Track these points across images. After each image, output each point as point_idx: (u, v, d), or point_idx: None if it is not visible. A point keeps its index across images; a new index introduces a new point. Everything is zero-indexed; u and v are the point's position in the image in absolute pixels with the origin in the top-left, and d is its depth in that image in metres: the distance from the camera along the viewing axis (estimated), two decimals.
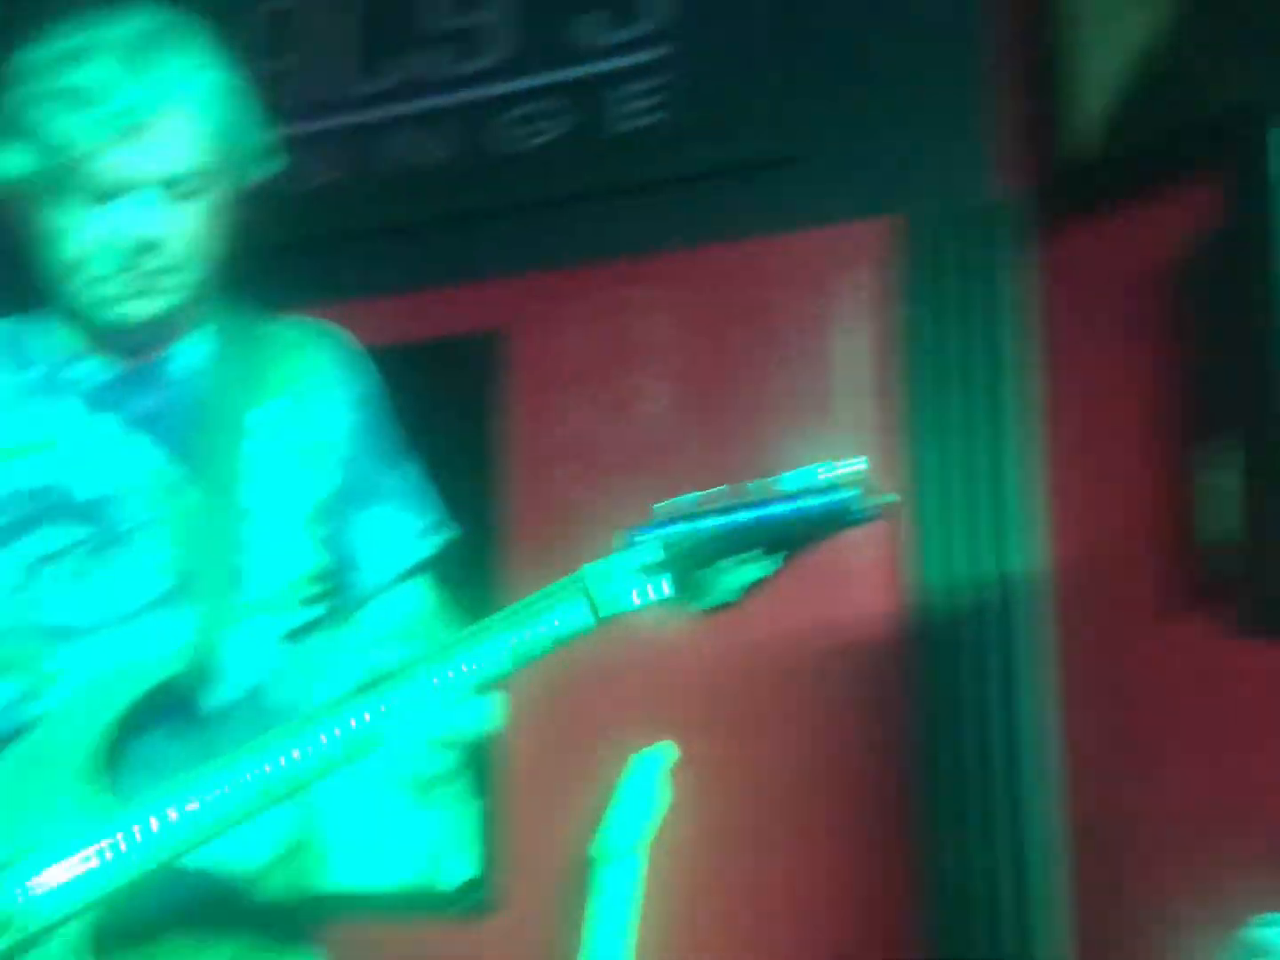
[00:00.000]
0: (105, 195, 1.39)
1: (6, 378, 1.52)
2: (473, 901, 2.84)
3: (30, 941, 1.29)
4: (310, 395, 1.57)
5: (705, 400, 2.83)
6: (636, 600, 1.27)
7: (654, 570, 1.26)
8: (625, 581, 1.27)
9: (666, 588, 1.26)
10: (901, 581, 2.60)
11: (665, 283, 2.90)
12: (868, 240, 2.71)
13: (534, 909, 2.75)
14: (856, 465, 1.22)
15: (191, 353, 1.56)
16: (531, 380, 2.97)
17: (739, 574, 1.24)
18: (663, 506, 1.27)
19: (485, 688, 1.27)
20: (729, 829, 2.65)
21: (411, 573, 1.61)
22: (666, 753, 2.55)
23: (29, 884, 1.29)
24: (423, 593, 1.63)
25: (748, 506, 1.25)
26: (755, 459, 2.70)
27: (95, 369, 1.53)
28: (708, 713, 2.69)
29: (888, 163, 2.74)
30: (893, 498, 1.22)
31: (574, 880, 2.56)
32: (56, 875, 1.29)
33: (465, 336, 3.03)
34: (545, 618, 1.27)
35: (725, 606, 1.25)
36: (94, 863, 1.28)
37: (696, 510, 1.26)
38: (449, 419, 2.80)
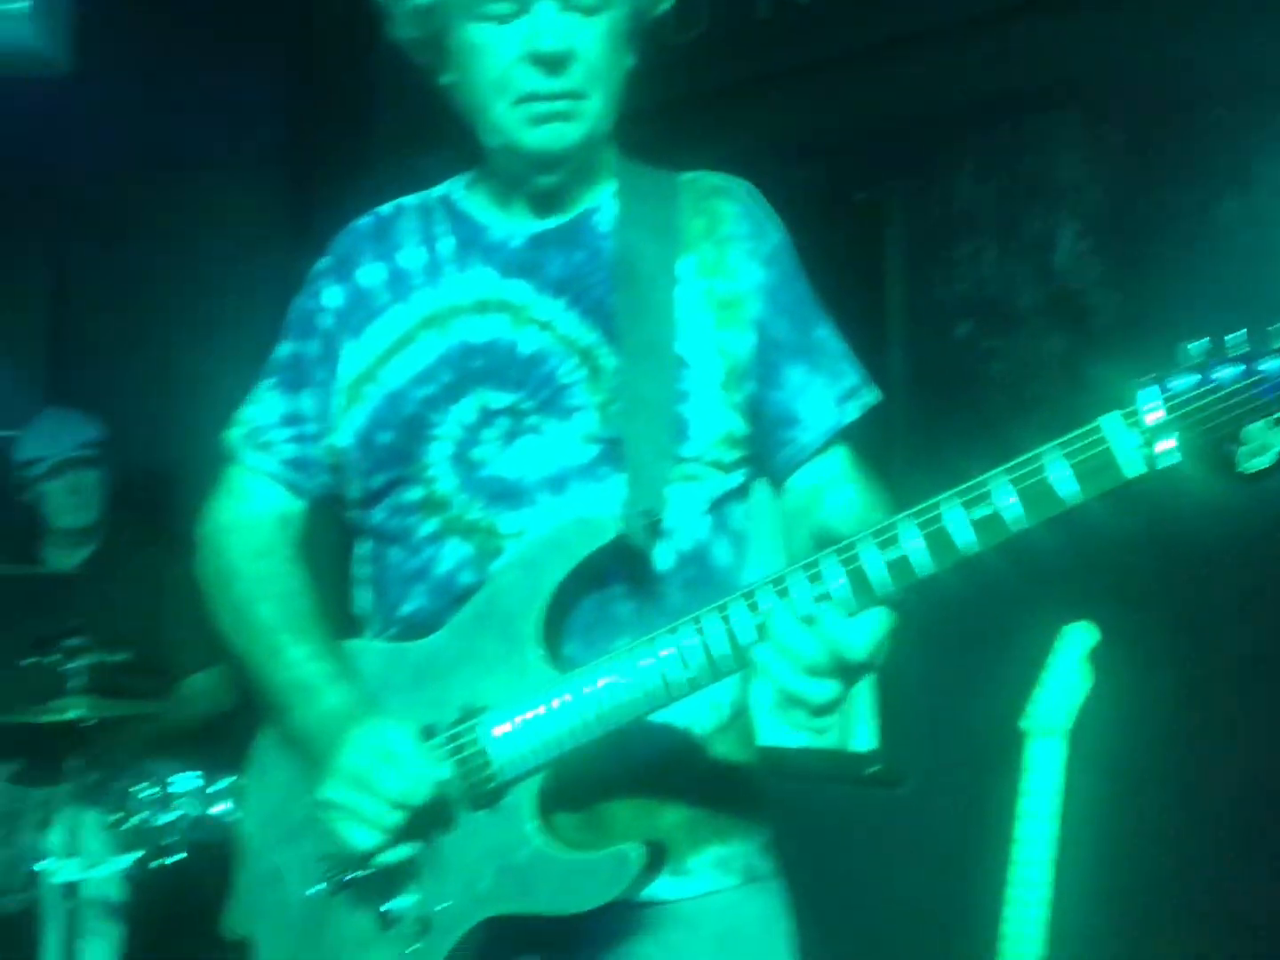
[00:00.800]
0: (511, 11, 1.36)
1: (426, 247, 1.50)
2: (889, 771, 2.74)
3: (484, 796, 1.29)
4: (720, 252, 1.45)
5: (1130, 242, 2.52)
6: (1132, 471, 1.07)
7: (1159, 433, 1.05)
8: (1120, 448, 1.07)
9: (1173, 453, 1.05)
10: None
11: (1078, 112, 2.59)
12: None
13: (948, 782, 2.62)
14: None
15: (602, 209, 1.48)
16: (930, 227, 2.74)
17: (1274, 438, 1.01)
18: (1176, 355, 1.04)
19: (948, 558, 1.13)
20: (1155, 716, 2.40)
21: (834, 440, 1.47)
22: (1089, 632, 2.35)
23: (485, 738, 1.29)
24: (847, 461, 1.48)
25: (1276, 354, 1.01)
26: (1198, 310, 2.39)
27: (510, 232, 1.48)
28: (1140, 590, 2.44)
29: None
30: None
31: (993, 756, 2.40)
32: (509, 733, 1.28)
33: (857, 185, 2.82)
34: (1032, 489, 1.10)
35: (1256, 477, 1.02)
36: (544, 722, 1.27)
37: (1212, 358, 1.03)
38: (843, 273, 2.61)
